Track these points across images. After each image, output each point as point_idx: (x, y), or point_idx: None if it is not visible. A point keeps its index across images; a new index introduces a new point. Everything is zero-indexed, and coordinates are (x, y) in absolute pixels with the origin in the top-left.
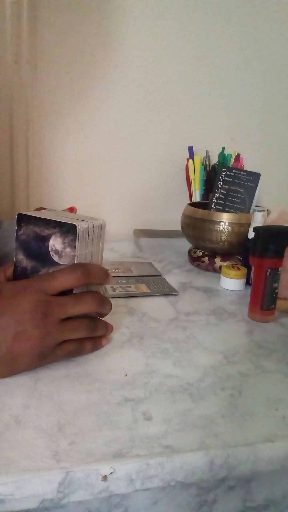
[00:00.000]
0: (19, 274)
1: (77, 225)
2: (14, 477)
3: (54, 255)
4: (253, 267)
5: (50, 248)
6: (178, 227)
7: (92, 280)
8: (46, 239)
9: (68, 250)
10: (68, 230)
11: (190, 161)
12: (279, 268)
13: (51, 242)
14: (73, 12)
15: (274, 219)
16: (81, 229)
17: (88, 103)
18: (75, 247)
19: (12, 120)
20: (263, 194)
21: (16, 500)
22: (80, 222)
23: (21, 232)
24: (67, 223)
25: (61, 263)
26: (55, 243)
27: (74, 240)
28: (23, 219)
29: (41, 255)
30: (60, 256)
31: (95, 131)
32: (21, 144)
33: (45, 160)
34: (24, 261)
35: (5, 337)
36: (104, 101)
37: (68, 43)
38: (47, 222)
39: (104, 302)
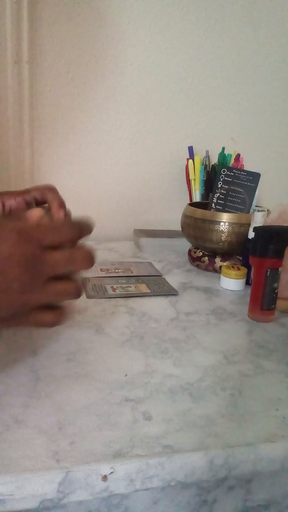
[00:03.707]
0: None
1: None
2: (14, 477)
3: None
4: (253, 267)
5: None
6: (178, 227)
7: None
8: None
9: None
10: None
11: (190, 161)
12: (279, 268)
13: None
14: (73, 12)
15: (274, 219)
16: None
17: (88, 103)
18: None
19: (12, 120)
20: (263, 194)
21: (16, 500)
22: None
23: None
24: None
25: None
26: None
27: None
28: None
29: None
30: None
31: (95, 131)
32: (21, 144)
33: (45, 160)
34: None
35: None
36: (104, 101)
37: (68, 43)
38: None
39: (93, 260)
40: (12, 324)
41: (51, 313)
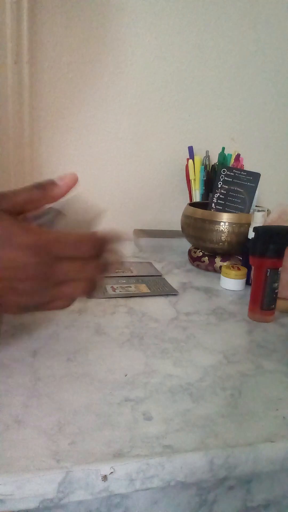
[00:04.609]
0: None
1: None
2: (14, 477)
3: None
4: (253, 267)
5: None
6: (178, 227)
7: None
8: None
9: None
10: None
11: (190, 161)
12: (279, 268)
13: None
14: (73, 12)
15: (274, 219)
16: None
17: (88, 103)
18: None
19: (12, 120)
20: (263, 194)
21: (16, 500)
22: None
23: None
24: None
25: None
26: None
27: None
28: None
29: None
30: None
31: (95, 131)
32: (21, 144)
33: (45, 160)
34: None
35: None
36: (104, 101)
37: (68, 43)
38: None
39: (104, 271)
40: (29, 311)
41: (61, 301)
